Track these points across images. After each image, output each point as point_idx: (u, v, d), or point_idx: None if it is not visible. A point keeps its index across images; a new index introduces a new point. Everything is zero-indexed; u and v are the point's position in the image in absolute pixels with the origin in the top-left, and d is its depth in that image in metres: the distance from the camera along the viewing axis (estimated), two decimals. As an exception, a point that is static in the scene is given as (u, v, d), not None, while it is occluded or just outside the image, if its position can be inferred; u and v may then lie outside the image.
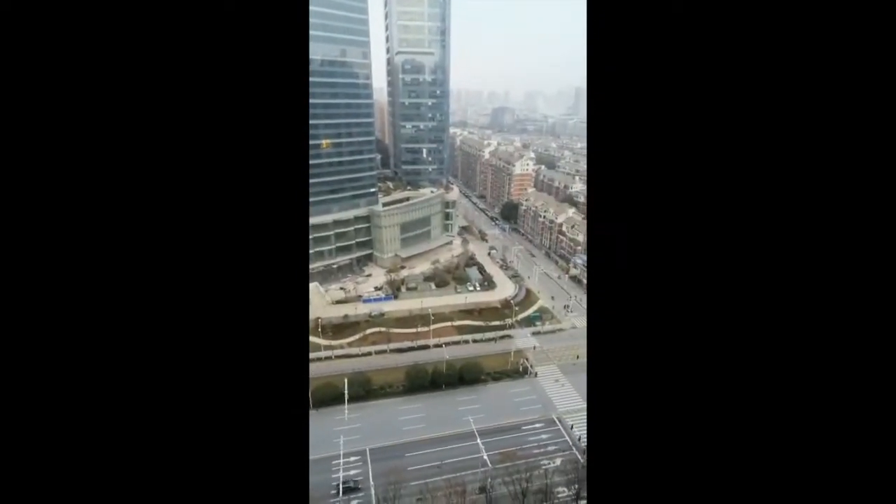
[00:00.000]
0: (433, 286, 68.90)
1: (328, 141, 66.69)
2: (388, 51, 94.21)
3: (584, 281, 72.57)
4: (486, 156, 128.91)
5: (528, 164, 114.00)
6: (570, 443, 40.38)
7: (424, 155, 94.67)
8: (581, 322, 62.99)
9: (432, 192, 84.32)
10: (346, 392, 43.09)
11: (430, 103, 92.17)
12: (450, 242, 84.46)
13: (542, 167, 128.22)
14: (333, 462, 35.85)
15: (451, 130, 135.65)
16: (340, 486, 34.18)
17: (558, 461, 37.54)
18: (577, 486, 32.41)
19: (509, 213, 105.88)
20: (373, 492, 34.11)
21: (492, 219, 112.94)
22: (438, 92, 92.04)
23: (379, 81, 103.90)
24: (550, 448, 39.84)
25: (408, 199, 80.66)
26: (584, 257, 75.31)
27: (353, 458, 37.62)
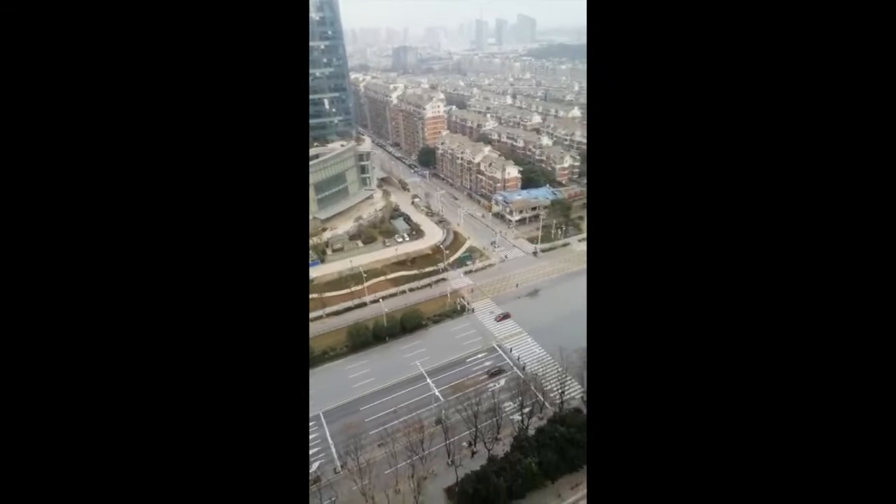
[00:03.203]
0: (360, 243, 67.28)
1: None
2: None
3: (507, 217, 75.78)
4: (395, 101, 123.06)
5: (438, 106, 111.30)
6: (511, 363, 44.21)
7: (327, 106, 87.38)
8: (510, 254, 66.59)
9: (342, 145, 79.34)
10: (287, 364, 41.97)
11: (322, 46, 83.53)
12: (370, 196, 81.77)
13: (453, 107, 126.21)
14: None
15: (353, 76, 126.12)
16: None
17: (502, 381, 41.14)
18: (520, 398, 36.01)
19: (427, 159, 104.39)
20: (333, 450, 34.81)
21: (410, 166, 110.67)
22: (330, 32, 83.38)
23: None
24: (494, 372, 43.32)
25: (317, 156, 75.18)
26: (504, 194, 77.97)
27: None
